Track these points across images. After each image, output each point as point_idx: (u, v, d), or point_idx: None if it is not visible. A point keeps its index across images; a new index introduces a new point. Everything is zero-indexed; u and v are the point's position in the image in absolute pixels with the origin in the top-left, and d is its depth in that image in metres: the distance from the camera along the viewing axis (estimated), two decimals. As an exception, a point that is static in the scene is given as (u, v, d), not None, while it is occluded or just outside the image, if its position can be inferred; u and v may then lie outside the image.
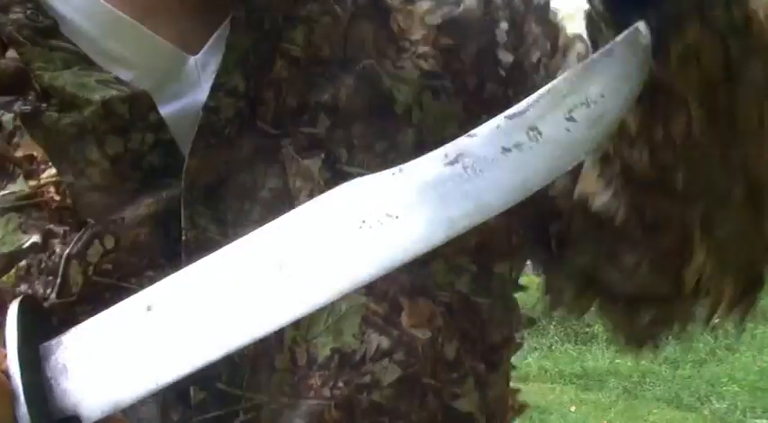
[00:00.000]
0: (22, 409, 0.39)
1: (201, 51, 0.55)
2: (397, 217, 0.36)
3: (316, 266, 0.37)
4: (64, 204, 0.51)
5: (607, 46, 0.37)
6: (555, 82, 0.36)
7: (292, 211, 0.39)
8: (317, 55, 0.57)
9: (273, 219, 0.51)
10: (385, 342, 0.52)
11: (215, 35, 0.55)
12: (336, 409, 0.51)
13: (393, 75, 0.58)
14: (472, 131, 0.36)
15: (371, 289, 0.51)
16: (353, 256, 0.37)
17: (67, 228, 0.50)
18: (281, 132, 0.54)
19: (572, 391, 5.29)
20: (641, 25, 0.36)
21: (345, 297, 0.49)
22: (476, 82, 0.61)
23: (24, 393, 0.39)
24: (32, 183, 0.51)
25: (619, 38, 0.37)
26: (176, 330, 0.39)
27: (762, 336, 7.14)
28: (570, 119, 0.35)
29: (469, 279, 0.56)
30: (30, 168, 0.52)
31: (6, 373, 0.40)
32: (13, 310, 0.42)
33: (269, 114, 0.54)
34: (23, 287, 0.49)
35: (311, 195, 0.52)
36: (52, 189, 0.51)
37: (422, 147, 0.47)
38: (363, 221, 0.36)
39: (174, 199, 0.51)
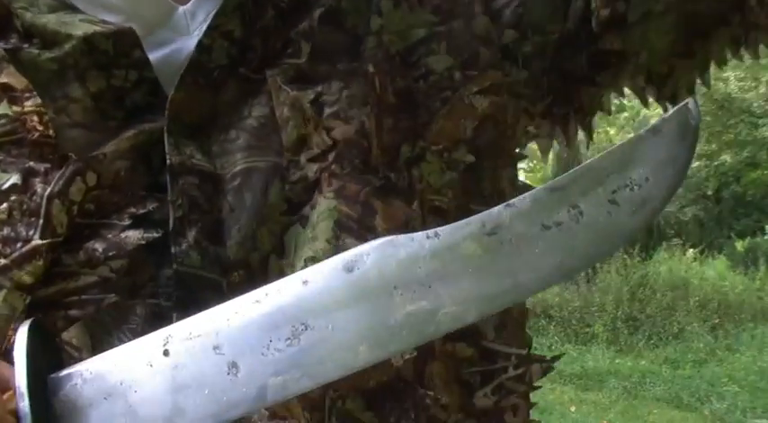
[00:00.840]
0: None
1: (190, 2, 0.55)
2: (429, 287, 0.35)
3: (342, 332, 0.36)
4: (46, 136, 0.49)
5: (655, 123, 0.35)
6: (599, 158, 0.35)
7: (319, 266, 0.38)
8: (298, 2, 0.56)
9: (259, 144, 0.51)
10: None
11: None
12: None
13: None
14: (512, 201, 0.35)
15: (341, 192, 0.50)
16: (382, 324, 0.35)
17: (49, 165, 0.49)
18: (266, 71, 0.54)
19: (572, 391, 5.30)
20: (692, 103, 0.35)
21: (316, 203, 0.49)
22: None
23: None
24: (16, 108, 0.50)
25: (668, 115, 0.35)
26: (193, 382, 0.37)
27: (762, 336, 7.13)
28: (612, 201, 0.33)
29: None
30: (12, 95, 0.51)
31: (11, 408, 0.39)
32: (21, 335, 0.40)
33: (255, 62, 0.54)
34: (6, 231, 0.48)
35: (298, 127, 0.51)
36: (36, 118, 0.50)
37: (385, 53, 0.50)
38: (395, 287, 0.35)
39: (157, 131, 0.50)
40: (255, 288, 0.45)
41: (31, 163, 0.49)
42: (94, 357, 0.40)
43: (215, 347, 0.37)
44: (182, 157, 0.49)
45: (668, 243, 10.51)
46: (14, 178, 0.49)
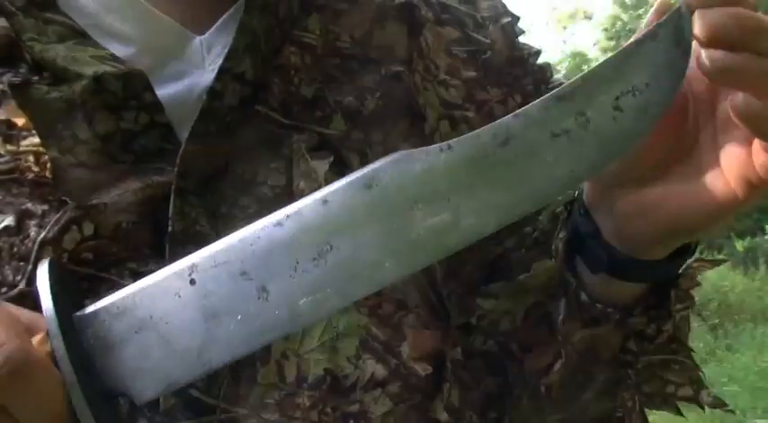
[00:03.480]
0: (76, 389, 0.36)
1: (208, 32, 0.53)
2: (448, 200, 0.35)
3: (367, 249, 0.36)
4: (43, 178, 0.48)
5: (651, 28, 0.36)
6: (601, 65, 0.36)
7: (338, 184, 0.38)
8: (336, 44, 0.55)
9: None
10: (380, 371, 0.49)
11: (224, 16, 0.53)
12: None
13: (423, 93, 0.56)
14: (519, 111, 0.35)
15: (375, 310, 0.49)
16: (405, 238, 0.36)
17: (47, 207, 0.47)
18: (291, 123, 0.52)
19: (574, 390, 5.27)
20: (684, 8, 0.36)
21: (346, 315, 0.48)
22: (504, 112, 0.58)
23: (76, 374, 0.36)
24: (10, 147, 0.49)
25: (662, 20, 0.36)
26: (225, 309, 0.37)
27: (762, 336, 7.11)
28: (617, 108, 0.35)
29: None
30: (8, 133, 0.49)
31: (47, 350, 0.38)
32: (42, 275, 0.39)
33: (275, 102, 0.52)
34: None
35: None
36: (31, 158, 0.48)
37: None
38: (415, 201, 0.35)
39: (165, 186, 0.48)
40: (251, 372, 0.47)
41: (29, 204, 0.47)
42: (118, 292, 0.40)
43: (242, 273, 0.38)
44: (185, 222, 0.47)
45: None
46: (9, 220, 0.47)
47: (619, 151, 0.35)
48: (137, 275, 0.46)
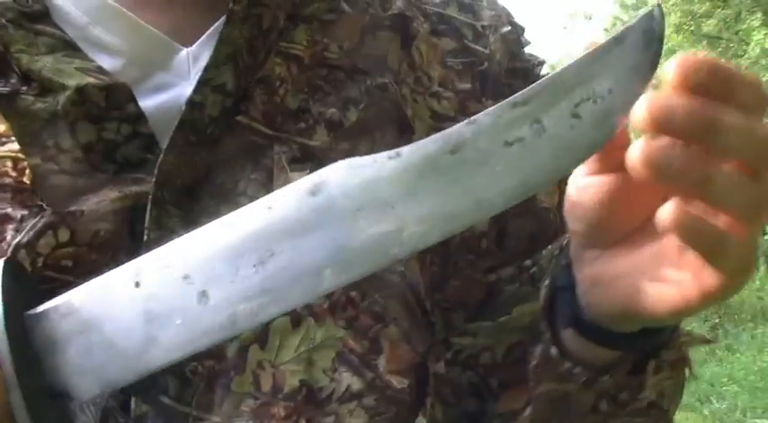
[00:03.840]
0: (14, 387, 0.37)
1: (195, 44, 0.53)
2: (393, 208, 0.34)
3: (308, 256, 0.36)
4: (23, 183, 0.48)
5: (620, 33, 0.35)
6: (562, 70, 0.34)
7: (284, 190, 0.37)
8: (324, 55, 0.55)
9: None
10: (356, 384, 0.49)
11: (211, 29, 0.54)
12: None
13: (412, 105, 0.56)
14: (474, 117, 0.34)
15: (352, 323, 0.49)
16: (347, 247, 0.35)
17: (26, 212, 0.48)
18: (273, 134, 0.52)
19: (571, 389, 5.31)
20: (657, 10, 0.34)
21: (323, 327, 0.48)
22: None
23: (15, 370, 0.37)
24: None
25: (632, 23, 0.35)
26: (165, 312, 0.38)
27: (762, 336, 7.14)
28: (575, 115, 0.33)
29: None
30: None
31: None
32: None
33: (258, 113, 0.52)
34: None
35: None
36: (9, 164, 0.49)
37: None
38: (359, 209, 0.35)
39: (144, 195, 0.48)
40: (225, 381, 0.47)
41: (9, 209, 0.48)
42: (69, 292, 0.40)
43: (184, 277, 0.38)
44: (161, 232, 0.48)
45: (667, 243, 10.52)
46: None
47: (575, 161, 0.34)
48: None
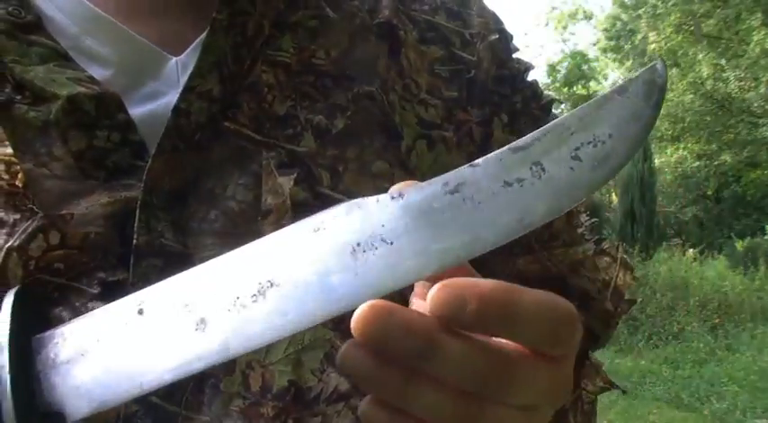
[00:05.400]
0: (7, 401, 0.38)
1: (184, 53, 0.54)
2: (391, 243, 0.35)
3: (305, 286, 0.36)
4: (15, 187, 0.49)
5: (622, 83, 0.36)
6: (565, 117, 0.35)
7: (288, 229, 0.38)
8: (311, 61, 0.55)
9: (236, 232, 0.50)
10: (344, 384, 0.50)
11: (199, 38, 0.54)
12: None
13: (400, 112, 0.56)
14: (475, 161, 0.35)
15: (339, 325, 0.49)
16: (345, 279, 0.36)
17: (18, 216, 0.49)
18: (261, 140, 0.52)
19: (570, 389, 5.30)
20: (659, 63, 0.35)
21: (312, 328, 0.49)
22: (483, 134, 0.60)
23: (11, 385, 0.38)
24: None
25: (635, 76, 0.36)
26: (163, 337, 0.39)
27: (762, 336, 7.15)
28: (575, 158, 0.34)
29: None
30: None
31: None
32: (8, 298, 0.41)
33: (245, 119, 0.52)
34: None
35: (278, 213, 0.50)
36: (2, 167, 0.50)
37: None
38: (358, 244, 0.35)
39: (133, 200, 0.49)
40: (215, 381, 0.48)
41: (2, 213, 0.49)
42: (78, 318, 0.41)
43: (185, 305, 0.39)
44: (150, 236, 0.48)
45: (668, 243, 10.53)
46: None
47: (573, 200, 0.34)
48: (106, 285, 0.48)
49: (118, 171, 0.50)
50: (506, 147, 0.35)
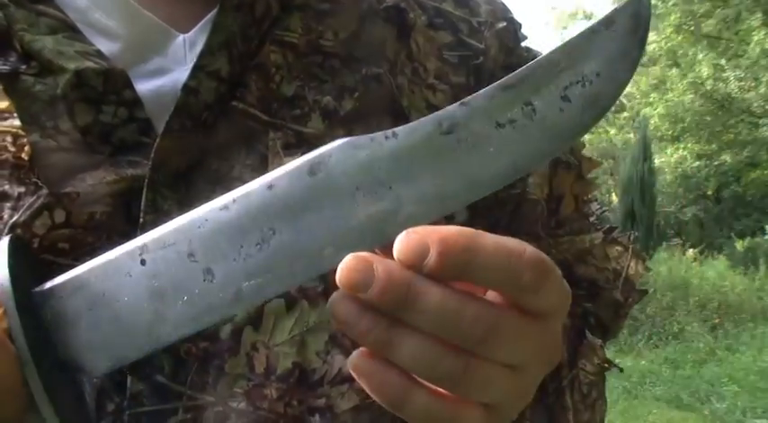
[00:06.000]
0: (29, 363, 0.37)
1: (192, 30, 0.54)
2: (390, 188, 0.35)
3: (308, 235, 0.36)
4: (21, 160, 0.49)
5: (608, 14, 0.35)
6: (552, 52, 0.35)
7: (284, 169, 0.38)
8: (319, 43, 0.55)
9: None
10: None
11: (208, 16, 0.54)
12: None
13: (408, 95, 0.56)
14: (466, 99, 0.35)
15: None
16: (348, 227, 0.35)
17: (23, 190, 0.48)
18: (269, 120, 0.52)
19: (571, 387, 5.28)
20: None
21: (317, 309, 0.48)
22: None
23: (29, 346, 0.37)
24: None
25: (620, 6, 0.35)
26: (171, 289, 0.38)
27: (762, 336, 7.13)
28: (565, 98, 0.34)
29: None
30: None
31: (3, 327, 0.38)
32: (2, 250, 0.39)
33: (253, 99, 0.52)
34: None
35: None
36: (9, 139, 0.50)
37: None
38: (357, 189, 0.35)
39: (140, 179, 0.49)
40: (219, 362, 0.48)
41: (7, 186, 0.49)
42: (75, 270, 0.40)
43: (189, 255, 0.38)
44: (156, 214, 0.48)
45: (668, 243, 10.51)
46: None
47: (564, 142, 0.34)
48: None
49: (124, 147, 0.50)
50: (495, 84, 0.35)
